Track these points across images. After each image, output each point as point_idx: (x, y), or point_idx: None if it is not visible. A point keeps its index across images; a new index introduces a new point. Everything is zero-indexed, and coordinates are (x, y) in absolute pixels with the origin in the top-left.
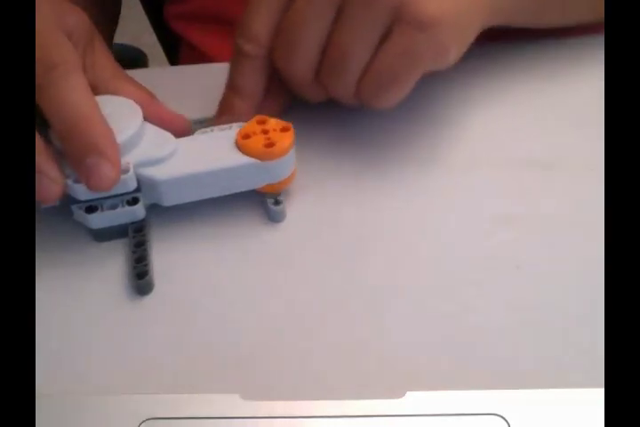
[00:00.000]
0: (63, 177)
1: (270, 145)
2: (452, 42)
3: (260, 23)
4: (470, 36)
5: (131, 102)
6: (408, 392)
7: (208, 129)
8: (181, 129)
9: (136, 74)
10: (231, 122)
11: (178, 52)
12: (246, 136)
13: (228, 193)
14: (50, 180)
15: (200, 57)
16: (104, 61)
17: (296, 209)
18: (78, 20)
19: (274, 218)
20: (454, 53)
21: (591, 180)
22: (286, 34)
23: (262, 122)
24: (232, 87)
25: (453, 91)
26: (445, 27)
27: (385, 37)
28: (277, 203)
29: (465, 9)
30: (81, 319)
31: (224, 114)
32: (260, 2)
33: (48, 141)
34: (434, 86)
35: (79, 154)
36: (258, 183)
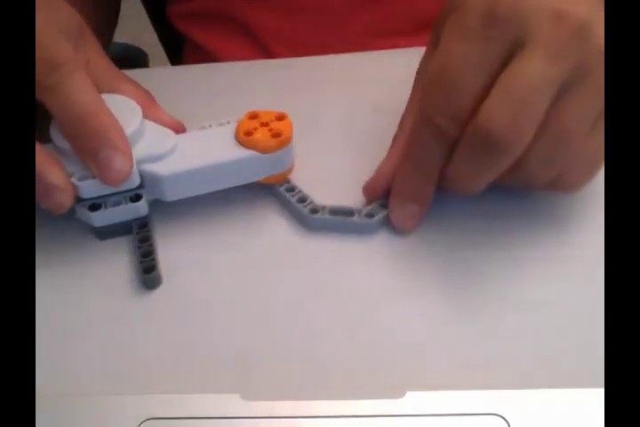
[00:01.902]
0: (71, 185)
1: (277, 135)
2: None
3: (465, 99)
4: None
5: (129, 100)
6: (408, 392)
7: (206, 124)
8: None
9: (137, 74)
10: (415, 213)
11: (179, 51)
12: (249, 133)
13: (229, 186)
14: (60, 191)
15: (204, 56)
16: (98, 58)
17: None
18: (67, 15)
19: (368, 231)
20: None
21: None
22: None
23: (255, 116)
24: (420, 170)
25: None
26: None
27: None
28: (371, 215)
29: None
30: (81, 319)
31: (408, 200)
32: (466, 75)
33: (48, 141)
34: None
35: (92, 149)
36: (259, 176)
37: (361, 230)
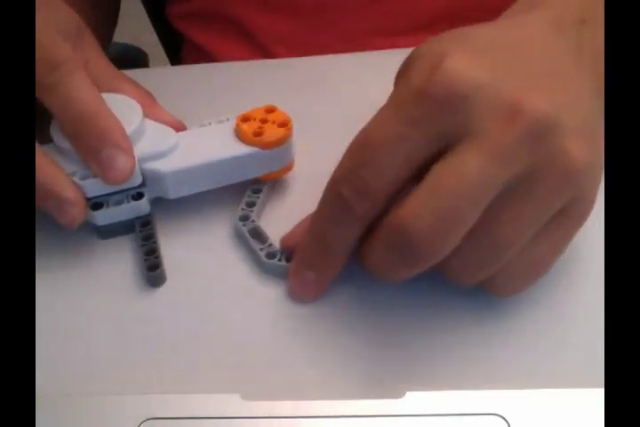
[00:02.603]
0: (83, 197)
1: (258, 134)
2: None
3: (380, 179)
4: None
5: (129, 99)
6: (408, 392)
7: (206, 122)
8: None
9: (137, 74)
10: (312, 281)
11: (179, 51)
12: (245, 119)
13: (231, 183)
14: (73, 205)
15: (203, 56)
16: (97, 58)
17: (298, 202)
18: (65, 16)
19: None
20: None
21: None
22: (437, 210)
23: (270, 111)
24: (322, 244)
25: None
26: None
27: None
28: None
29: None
30: (81, 319)
31: (306, 268)
32: (381, 151)
33: (49, 140)
34: None
35: (94, 148)
36: (258, 171)
37: None
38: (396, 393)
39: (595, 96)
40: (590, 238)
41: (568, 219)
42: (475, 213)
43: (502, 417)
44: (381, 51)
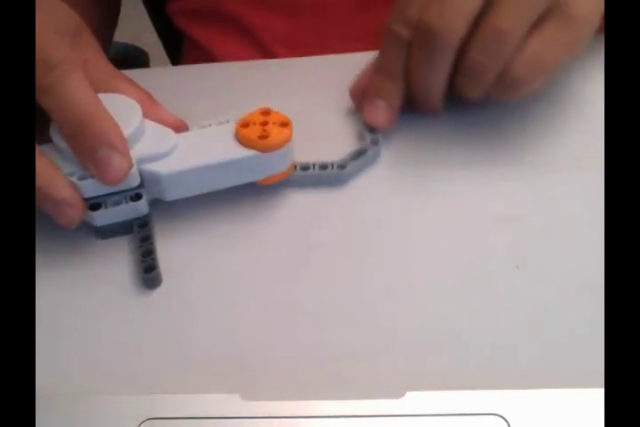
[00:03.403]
0: (81, 198)
1: (264, 137)
2: (589, 39)
3: (416, 8)
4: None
5: (129, 100)
6: (408, 392)
7: (206, 124)
8: (179, 132)
9: (137, 74)
10: (383, 108)
11: (179, 51)
12: (245, 124)
13: (229, 186)
14: (71, 207)
15: (203, 54)
16: (96, 58)
17: (298, 205)
18: (64, 15)
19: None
20: (588, 47)
21: (591, 179)
22: (438, 17)
23: (266, 113)
24: (384, 71)
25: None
26: (589, 25)
27: (534, 26)
28: (375, 142)
29: (600, 9)
30: (81, 319)
31: (376, 97)
32: None
33: (48, 140)
34: None
35: (90, 149)
36: (258, 175)
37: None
38: (396, 393)
39: None
40: (590, 238)
41: (559, 18)
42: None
43: (502, 417)
44: None
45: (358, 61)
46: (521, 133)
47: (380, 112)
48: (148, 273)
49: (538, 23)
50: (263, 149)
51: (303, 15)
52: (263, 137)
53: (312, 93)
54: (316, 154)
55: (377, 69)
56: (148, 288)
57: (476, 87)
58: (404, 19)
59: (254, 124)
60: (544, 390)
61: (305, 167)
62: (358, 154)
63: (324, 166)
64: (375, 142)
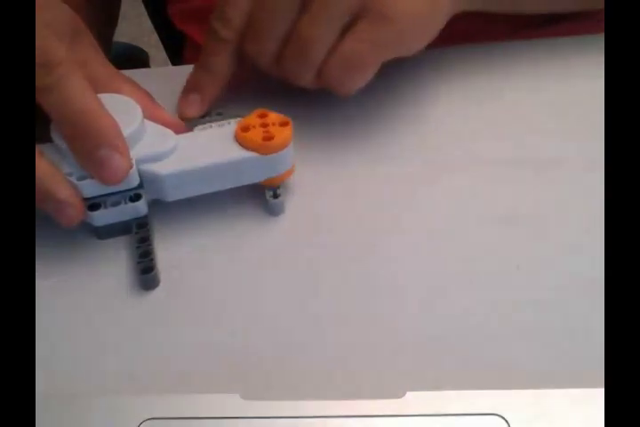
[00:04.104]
0: (81, 198)
1: (268, 138)
2: (415, 34)
3: (235, 9)
4: (438, 25)
5: (129, 100)
6: (408, 392)
7: (207, 125)
8: (179, 133)
9: (137, 74)
10: (197, 101)
11: (180, 51)
12: (245, 129)
13: (229, 187)
14: (71, 206)
15: None
16: (95, 59)
17: (297, 205)
18: (62, 15)
19: (273, 211)
20: (418, 44)
21: (591, 179)
22: (256, 21)
23: (263, 116)
24: (203, 67)
25: (452, 90)
26: (408, 21)
27: (348, 27)
28: (276, 196)
29: (416, 11)
30: (81, 319)
31: (191, 92)
32: None
33: (49, 140)
34: (430, 84)
35: (89, 148)
36: (258, 177)
37: None
38: (396, 393)
39: None
40: (590, 238)
41: (370, 18)
42: (282, 14)
43: (502, 417)
44: None
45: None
46: (521, 133)
47: (192, 105)
48: (146, 274)
49: (350, 25)
50: (269, 151)
51: None
52: (268, 138)
53: (312, 94)
54: (316, 155)
55: (196, 66)
56: (145, 289)
57: (302, 85)
58: (222, 17)
59: (254, 127)
60: (544, 390)
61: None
62: None
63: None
64: None
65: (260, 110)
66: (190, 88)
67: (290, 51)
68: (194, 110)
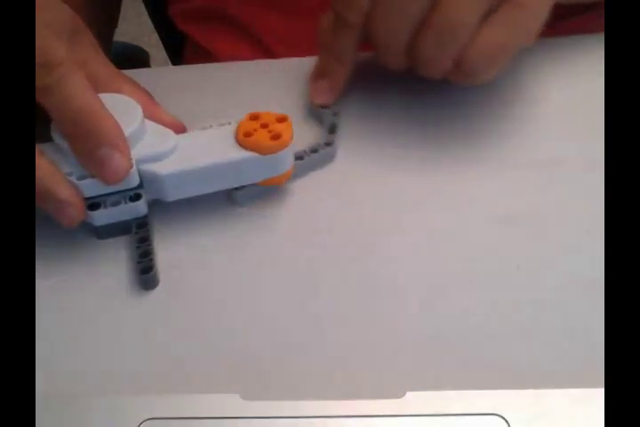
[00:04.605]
0: (81, 197)
1: (277, 137)
2: (541, 22)
3: None
4: (546, 17)
5: (130, 99)
6: (408, 392)
7: (207, 125)
8: (179, 133)
9: (137, 74)
10: (326, 88)
11: (180, 51)
12: (248, 134)
13: (229, 187)
14: (72, 206)
15: (204, 56)
16: (96, 58)
17: (297, 205)
18: (63, 15)
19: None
20: (539, 31)
21: (591, 179)
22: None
23: (256, 117)
24: (332, 53)
25: (458, 92)
26: (539, 11)
27: (488, 14)
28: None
29: None
30: (81, 319)
31: (322, 78)
32: None
33: (49, 139)
34: (436, 89)
35: (90, 148)
36: (258, 177)
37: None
38: (396, 393)
39: None
40: (590, 238)
41: (510, 5)
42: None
43: (502, 417)
44: None
45: (357, 61)
46: (522, 133)
47: (322, 91)
48: (145, 274)
49: (490, 12)
50: (279, 149)
51: (304, 15)
52: (276, 137)
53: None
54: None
55: (323, 50)
56: (145, 289)
57: (433, 74)
58: (348, 5)
59: (256, 129)
60: (544, 390)
61: (299, 156)
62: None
63: (314, 150)
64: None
65: (251, 113)
66: (319, 74)
67: (431, 35)
68: (325, 98)
